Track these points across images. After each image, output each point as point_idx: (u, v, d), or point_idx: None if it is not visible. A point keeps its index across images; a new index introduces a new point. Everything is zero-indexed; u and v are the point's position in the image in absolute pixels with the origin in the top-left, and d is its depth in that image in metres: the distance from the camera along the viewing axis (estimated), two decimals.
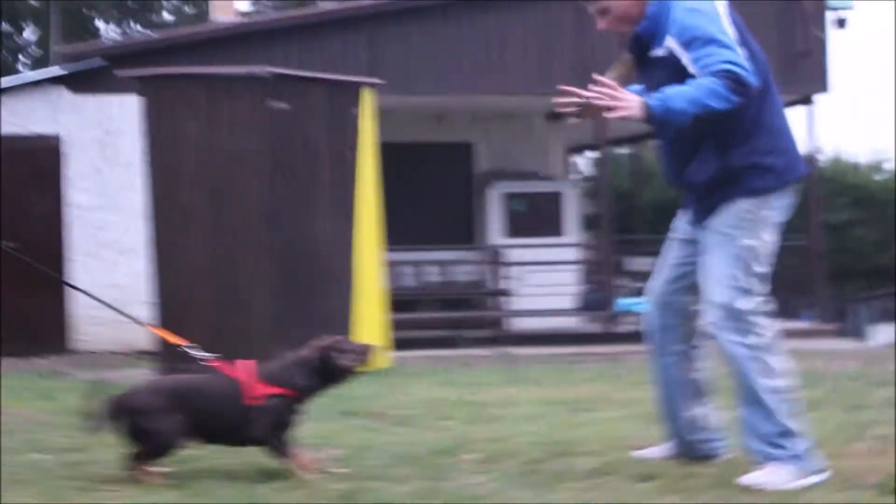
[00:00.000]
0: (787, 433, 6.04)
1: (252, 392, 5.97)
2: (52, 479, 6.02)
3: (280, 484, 5.94)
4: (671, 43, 5.95)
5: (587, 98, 5.83)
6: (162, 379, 6.60)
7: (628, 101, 5.82)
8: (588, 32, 17.85)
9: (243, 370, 6.10)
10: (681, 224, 6.62)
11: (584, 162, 33.73)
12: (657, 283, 6.68)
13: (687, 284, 6.55)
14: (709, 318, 6.15)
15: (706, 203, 6.21)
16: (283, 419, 6.04)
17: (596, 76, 5.92)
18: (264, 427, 5.96)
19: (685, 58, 5.87)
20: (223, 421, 6.03)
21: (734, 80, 5.71)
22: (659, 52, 6.05)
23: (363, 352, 6.41)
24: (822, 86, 19.05)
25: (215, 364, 6.17)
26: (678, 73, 5.88)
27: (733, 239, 6.09)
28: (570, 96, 5.88)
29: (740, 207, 6.09)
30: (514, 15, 18.23)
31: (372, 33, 17.77)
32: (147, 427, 5.88)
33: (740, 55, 5.79)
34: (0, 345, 15.77)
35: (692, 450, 6.74)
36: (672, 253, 6.65)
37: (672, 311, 6.62)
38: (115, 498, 5.52)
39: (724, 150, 6.06)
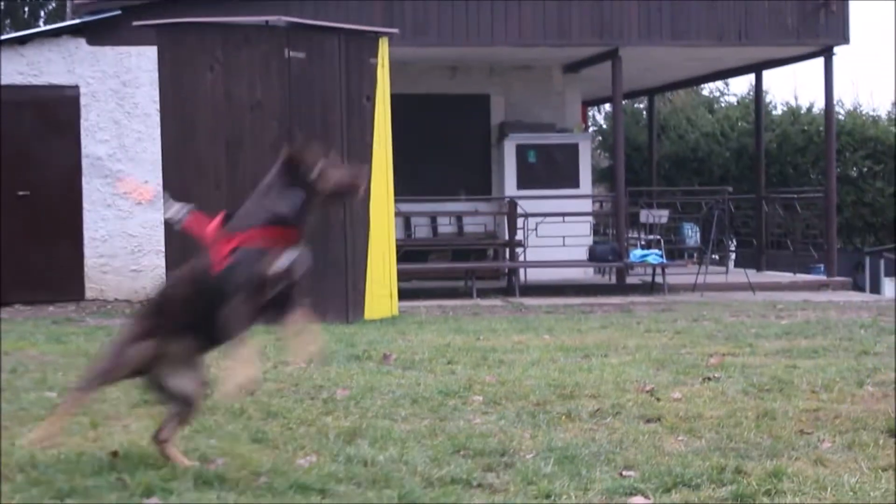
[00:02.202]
0: None
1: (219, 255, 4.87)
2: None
3: (286, 421, 6.00)
4: None
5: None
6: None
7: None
8: None
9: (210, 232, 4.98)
10: None
11: (601, 115, 33.68)
12: None
13: None
14: None
15: None
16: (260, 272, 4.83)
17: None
18: (234, 285, 4.75)
19: None
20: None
21: None
22: None
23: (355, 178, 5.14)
24: (842, 37, 18.90)
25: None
26: None
27: None
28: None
29: None
30: None
31: None
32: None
33: None
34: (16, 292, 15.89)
35: None
36: None
37: None
38: (121, 433, 5.58)
39: None
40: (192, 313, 4.90)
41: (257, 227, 4.84)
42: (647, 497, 4.68)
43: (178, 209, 5.26)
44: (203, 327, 4.89)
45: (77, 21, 17.27)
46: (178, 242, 12.98)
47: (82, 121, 16.80)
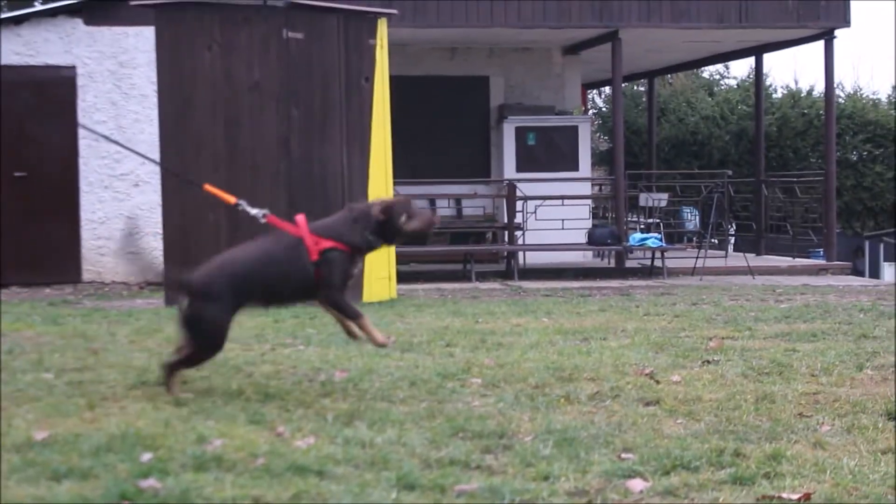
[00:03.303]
0: None
1: (315, 248, 6.19)
2: (55, 396, 6.06)
3: (284, 402, 5.97)
4: None
5: None
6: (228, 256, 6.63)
7: None
8: None
9: (300, 227, 6.29)
10: None
11: (601, 97, 33.61)
12: None
13: None
14: None
15: None
16: (346, 274, 6.28)
17: None
18: (334, 284, 6.21)
19: None
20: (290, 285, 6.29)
21: None
22: None
23: (428, 219, 6.57)
24: (843, 20, 18.85)
25: (274, 222, 6.44)
26: None
27: None
28: None
29: None
30: None
31: None
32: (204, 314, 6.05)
33: None
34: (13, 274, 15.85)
35: None
36: None
37: None
38: (118, 414, 5.55)
39: None
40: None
41: (344, 243, 6.27)
42: (645, 479, 4.65)
43: (258, 212, 6.60)
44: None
45: (74, 1, 17.19)
46: (176, 224, 12.97)
47: (79, 101, 16.75)
